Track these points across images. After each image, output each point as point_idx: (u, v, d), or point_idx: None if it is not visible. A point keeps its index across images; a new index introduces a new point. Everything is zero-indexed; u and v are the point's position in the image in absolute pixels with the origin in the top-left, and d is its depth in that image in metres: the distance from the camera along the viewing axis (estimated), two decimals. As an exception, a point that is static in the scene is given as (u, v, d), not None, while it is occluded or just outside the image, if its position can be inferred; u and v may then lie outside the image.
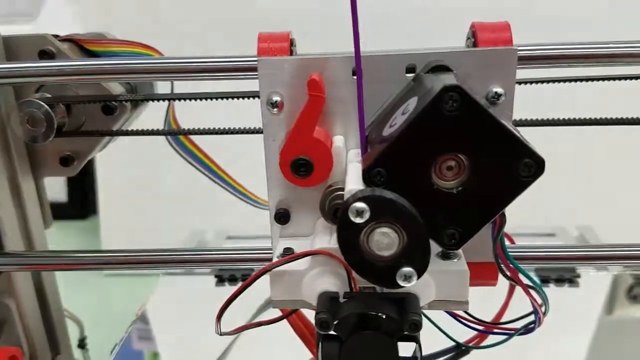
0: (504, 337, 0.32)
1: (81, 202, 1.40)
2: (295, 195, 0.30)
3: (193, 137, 0.41)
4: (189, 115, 0.43)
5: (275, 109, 0.29)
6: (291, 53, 0.29)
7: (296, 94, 0.29)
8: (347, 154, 0.29)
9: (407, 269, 0.24)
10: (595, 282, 0.51)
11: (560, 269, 0.47)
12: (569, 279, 0.47)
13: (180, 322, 0.53)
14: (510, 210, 0.26)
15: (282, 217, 0.31)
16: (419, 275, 0.24)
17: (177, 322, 0.54)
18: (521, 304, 0.34)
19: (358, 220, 0.23)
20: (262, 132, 0.30)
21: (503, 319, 0.35)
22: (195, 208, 1.11)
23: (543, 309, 0.28)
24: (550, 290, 0.48)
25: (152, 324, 0.54)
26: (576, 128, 0.35)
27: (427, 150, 0.24)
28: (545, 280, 0.48)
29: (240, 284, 0.58)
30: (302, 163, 0.28)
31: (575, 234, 0.68)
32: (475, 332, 0.35)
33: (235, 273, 0.53)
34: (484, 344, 0.34)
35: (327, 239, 0.29)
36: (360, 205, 0.23)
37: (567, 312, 0.63)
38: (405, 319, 0.25)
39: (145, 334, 0.54)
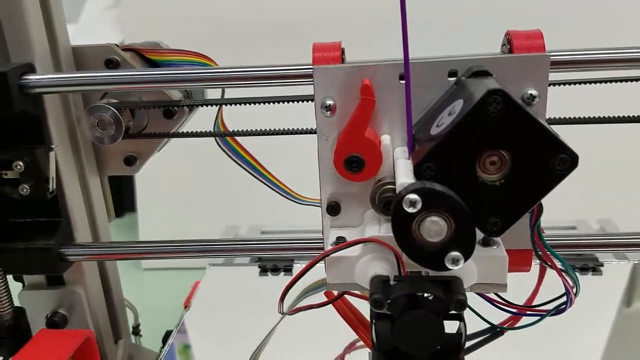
0: (536, 318, 0.35)
1: (119, 200, 1.44)
2: (345, 189, 0.33)
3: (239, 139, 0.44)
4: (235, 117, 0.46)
5: (328, 112, 0.32)
6: (342, 61, 0.32)
7: (347, 98, 0.32)
8: (394, 151, 0.32)
9: (455, 254, 0.27)
10: (617, 270, 0.53)
11: (584, 259, 0.50)
12: (593, 267, 0.50)
13: (228, 310, 0.56)
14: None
15: (333, 209, 0.34)
16: (466, 259, 0.27)
17: (224, 310, 0.57)
18: (549, 291, 0.37)
19: (411, 210, 0.26)
20: (308, 133, 0.33)
21: (534, 303, 0.38)
22: (229, 205, 1.15)
23: (574, 290, 0.31)
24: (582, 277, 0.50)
25: (199, 313, 0.57)
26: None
27: (473, 147, 0.26)
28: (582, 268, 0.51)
29: (282, 273, 0.61)
30: (354, 160, 0.31)
31: (596, 227, 0.71)
32: (508, 315, 0.38)
33: (277, 264, 0.56)
34: (517, 325, 0.37)
35: (377, 228, 0.32)
36: (413, 196, 0.26)
37: (590, 298, 0.65)
38: (452, 298, 0.28)
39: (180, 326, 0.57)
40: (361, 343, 0.46)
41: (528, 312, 0.35)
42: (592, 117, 0.37)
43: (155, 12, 1.12)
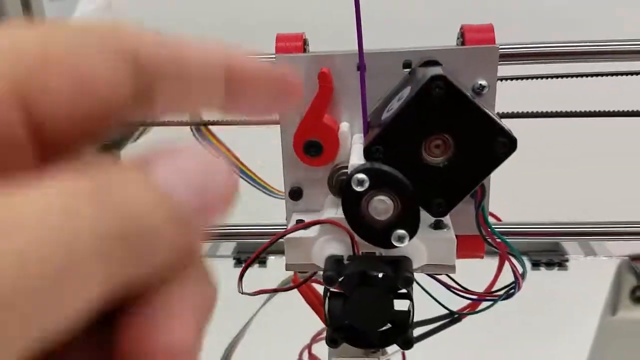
0: (490, 303, 0.36)
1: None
2: (306, 174, 0.35)
3: (214, 130, 0.46)
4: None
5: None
6: (304, 51, 0.34)
7: (308, 86, 0.33)
8: (352, 138, 0.34)
9: (400, 232, 0.28)
10: (584, 265, 0.55)
11: (549, 253, 0.51)
12: (559, 262, 0.51)
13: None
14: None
15: (295, 194, 0.35)
16: (411, 237, 0.29)
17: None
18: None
19: (359, 188, 0.28)
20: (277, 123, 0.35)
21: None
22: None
23: (521, 273, 0.32)
24: (541, 273, 0.52)
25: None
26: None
27: (417, 131, 0.28)
28: (536, 264, 0.52)
29: (256, 265, 0.61)
30: (313, 145, 0.32)
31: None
32: (466, 303, 0.39)
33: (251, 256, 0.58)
34: (475, 310, 0.38)
35: (334, 211, 0.33)
36: (361, 176, 0.28)
37: (558, 294, 0.67)
38: (400, 275, 0.30)
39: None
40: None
41: (482, 298, 0.37)
42: (548, 111, 0.39)
43: (148, 15, 1.14)
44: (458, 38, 0.34)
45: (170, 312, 0.14)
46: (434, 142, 0.28)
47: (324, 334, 0.47)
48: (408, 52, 0.33)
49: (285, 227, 0.40)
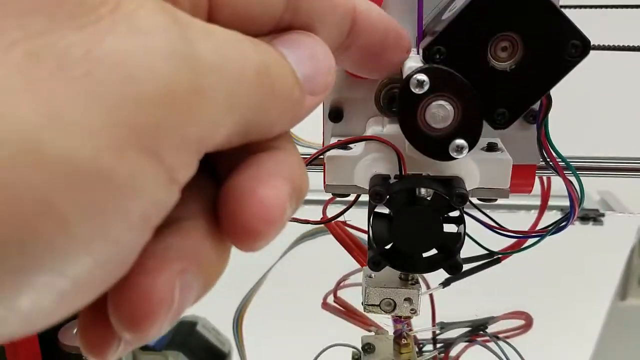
0: (536, 239, 0.34)
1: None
2: (349, 93, 0.32)
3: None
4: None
5: None
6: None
7: None
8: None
9: (460, 141, 0.26)
10: (619, 222, 0.53)
11: (584, 209, 0.49)
12: (594, 217, 0.49)
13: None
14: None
15: (335, 114, 0.33)
16: (470, 148, 0.26)
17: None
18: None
19: (418, 90, 0.26)
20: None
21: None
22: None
23: (578, 200, 0.30)
24: (576, 227, 0.50)
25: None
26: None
27: (484, 29, 0.26)
28: (582, 218, 0.50)
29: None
30: (361, 54, 0.30)
31: (597, 198, 0.70)
32: (508, 243, 0.37)
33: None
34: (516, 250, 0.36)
35: (379, 129, 0.31)
36: (421, 76, 0.25)
37: (592, 250, 0.65)
38: (453, 192, 0.28)
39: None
40: (351, 280, 0.45)
41: (529, 235, 0.35)
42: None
43: None
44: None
45: (268, 174, 0.16)
46: (501, 43, 0.26)
47: (349, 280, 0.45)
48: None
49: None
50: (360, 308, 0.44)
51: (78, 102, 0.12)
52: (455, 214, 0.29)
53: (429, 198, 0.30)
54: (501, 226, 0.35)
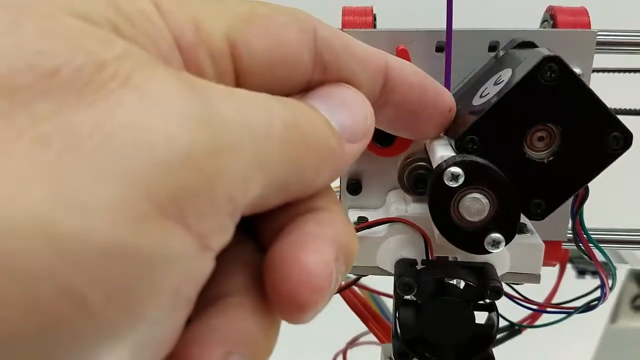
0: (562, 315, 0.33)
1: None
2: (369, 166, 0.31)
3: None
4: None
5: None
6: (374, 27, 0.30)
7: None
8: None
9: (496, 235, 0.25)
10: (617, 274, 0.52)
11: (579, 261, 0.48)
12: (593, 271, 0.48)
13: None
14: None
15: (354, 187, 0.32)
16: (507, 242, 0.25)
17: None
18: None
19: (452, 184, 0.24)
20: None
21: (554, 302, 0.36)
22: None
23: (610, 284, 0.29)
24: (587, 281, 0.49)
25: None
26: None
27: (521, 119, 0.24)
28: (582, 272, 0.49)
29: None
30: (384, 133, 0.29)
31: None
32: (528, 313, 0.36)
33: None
34: (537, 323, 0.35)
35: (403, 208, 0.30)
36: (456, 170, 0.24)
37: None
38: (487, 284, 0.26)
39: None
40: (364, 339, 0.44)
41: (551, 310, 0.33)
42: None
43: None
44: (545, 20, 0.30)
45: (311, 238, 0.15)
46: (538, 133, 0.25)
47: (360, 339, 0.44)
48: (494, 32, 0.29)
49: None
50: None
51: (89, 178, 0.11)
52: (486, 301, 0.28)
53: (454, 282, 0.28)
54: (523, 296, 0.34)
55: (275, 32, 0.16)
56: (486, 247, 0.25)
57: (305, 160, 0.15)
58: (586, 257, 0.28)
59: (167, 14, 0.15)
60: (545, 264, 0.33)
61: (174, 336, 0.13)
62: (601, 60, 0.32)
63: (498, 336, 0.36)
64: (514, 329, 0.36)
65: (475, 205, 0.25)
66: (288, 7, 0.17)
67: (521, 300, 0.34)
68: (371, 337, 0.43)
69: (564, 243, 0.33)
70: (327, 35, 0.17)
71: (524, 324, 0.36)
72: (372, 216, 0.31)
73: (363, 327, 0.43)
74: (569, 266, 0.45)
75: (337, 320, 0.42)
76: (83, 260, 0.11)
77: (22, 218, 0.10)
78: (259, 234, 0.17)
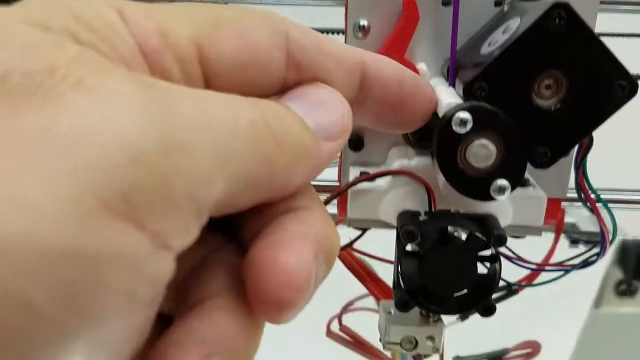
0: (560, 273, 0.33)
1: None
2: (372, 121, 0.31)
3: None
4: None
5: (361, 34, 0.30)
6: (380, -20, 0.30)
7: (383, 18, 0.29)
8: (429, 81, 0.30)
9: (502, 182, 0.25)
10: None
11: (591, 233, 0.49)
12: (586, 240, 0.49)
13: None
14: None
15: (356, 143, 0.31)
16: (513, 189, 0.25)
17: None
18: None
19: (460, 130, 0.24)
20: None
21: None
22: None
23: (610, 237, 0.29)
24: (580, 250, 0.49)
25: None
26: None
27: (530, 67, 0.24)
28: (575, 242, 0.50)
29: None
30: (390, 84, 0.28)
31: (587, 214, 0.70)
32: (524, 273, 0.36)
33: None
34: (535, 282, 0.35)
35: (406, 162, 0.30)
36: (464, 115, 0.24)
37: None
38: (491, 233, 0.26)
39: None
40: (359, 304, 0.44)
41: (549, 269, 0.34)
42: None
43: None
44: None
45: (289, 237, 0.16)
46: (546, 81, 0.25)
47: (355, 305, 0.44)
48: (501, -13, 0.29)
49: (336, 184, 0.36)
50: (367, 337, 0.43)
51: (33, 180, 0.11)
52: (488, 252, 0.28)
53: (456, 234, 0.28)
54: (520, 257, 0.34)
55: (244, 34, 0.16)
56: (492, 194, 0.25)
57: (276, 158, 0.15)
58: (588, 210, 0.29)
59: (130, 21, 0.15)
60: (545, 223, 0.34)
61: (136, 338, 0.13)
62: (604, 20, 0.32)
63: (494, 296, 0.36)
64: (510, 289, 0.36)
65: (483, 152, 0.25)
66: (258, 10, 0.17)
67: (518, 260, 0.34)
68: (366, 302, 0.43)
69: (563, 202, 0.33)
70: (299, 36, 0.17)
71: (522, 283, 0.36)
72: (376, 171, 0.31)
73: (358, 293, 0.43)
74: (561, 236, 0.46)
75: (331, 286, 0.42)
76: (25, 262, 0.11)
77: None
78: (241, 236, 0.17)
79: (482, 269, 0.28)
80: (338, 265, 0.40)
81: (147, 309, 0.13)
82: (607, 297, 1.07)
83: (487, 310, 0.28)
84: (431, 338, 0.32)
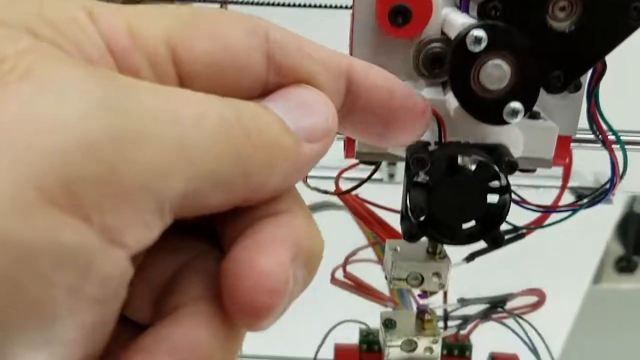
0: (567, 213, 0.33)
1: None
2: (382, 51, 0.30)
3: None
4: None
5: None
6: None
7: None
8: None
9: (515, 104, 0.25)
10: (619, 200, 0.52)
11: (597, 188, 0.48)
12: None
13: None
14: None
15: (365, 77, 0.31)
16: (526, 112, 0.25)
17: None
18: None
19: (475, 48, 0.24)
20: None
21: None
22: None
23: (620, 172, 0.29)
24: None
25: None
26: None
27: (546, -14, 0.24)
28: (580, 197, 0.49)
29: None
30: (400, 10, 0.28)
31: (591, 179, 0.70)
32: (533, 217, 0.36)
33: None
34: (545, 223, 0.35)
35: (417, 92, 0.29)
36: (479, 32, 0.24)
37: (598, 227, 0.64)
38: (502, 160, 0.26)
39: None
40: (360, 256, 0.44)
41: (559, 210, 0.33)
42: None
43: None
44: None
45: (267, 240, 0.15)
46: (560, 2, 0.24)
47: (359, 255, 0.44)
48: None
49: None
50: (371, 284, 0.43)
51: None
52: (496, 184, 0.28)
53: (466, 166, 0.28)
54: (525, 200, 0.34)
55: (221, 34, 0.16)
56: (505, 117, 0.25)
57: (250, 158, 0.15)
58: (600, 141, 0.28)
59: (99, 20, 0.14)
60: (554, 163, 0.33)
61: (89, 341, 0.13)
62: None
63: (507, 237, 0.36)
64: (517, 233, 0.36)
65: (497, 73, 0.24)
66: (236, 12, 0.17)
67: (525, 203, 0.34)
68: (369, 253, 0.43)
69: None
70: (280, 37, 0.17)
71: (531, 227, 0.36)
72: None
73: (360, 244, 0.43)
74: (566, 192, 0.45)
75: (334, 236, 0.42)
76: None
77: None
78: (222, 242, 0.17)
79: (491, 200, 0.28)
80: (339, 224, 0.40)
81: (98, 308, 0.12)
82: (607, 273, 1.07)
83: (495, 241, 0.28)
84: (437, 274, 0.31)
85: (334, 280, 0.41)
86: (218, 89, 0.15)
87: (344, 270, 0.42)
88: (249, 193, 0.15)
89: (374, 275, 0.44)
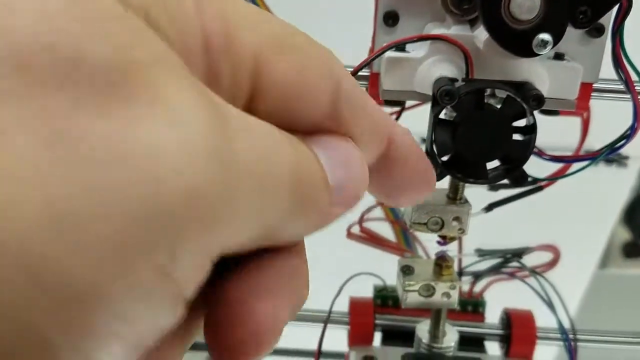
0: (586, 162, 0.33)
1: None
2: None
3: None
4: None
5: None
6: None
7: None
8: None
9: (544, 35, 0.25)
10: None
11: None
12: (616, 160, 0.49)
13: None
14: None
15: (390, 17, 0.31)
16: (555, 43, 0.25)
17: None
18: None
19: (506, -24, 0.24)
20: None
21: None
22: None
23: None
24: (599, 168, 0.49)
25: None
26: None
27: None
28: (609, 162, 0.50)
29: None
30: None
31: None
32: (554, 169, 0.36)
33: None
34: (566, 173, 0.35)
35: (444, 30, 0.29)
36: (511, -39, 0.24)
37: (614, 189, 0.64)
38: (528, 94, 0.26)
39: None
40: (375, 214, 0.44)
41: (578, 159, 0.34)
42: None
43: None
44: None
45: (272, 288, 0.15)
46: None
47: (373, 212, 0.44)
48: None
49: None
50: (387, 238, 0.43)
51: (78, 204, 0.10)
52: (522, 122, 0.28)
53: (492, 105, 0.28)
54: (543, 151, 0.34)
55: (306, 67, 0.15)
56: (534, 48, 0.25)
57: (296, 216, 0.14)
58: (623, 81, 0.28)
59: (205, 12, 0.14)
60: (576, 112, 0.33)
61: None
62: None
63: (520, 190, 0.36)
64: (536, 185, 0.36)
65: (528, 3, 0.24)
66: (322, 46, 0.16)
67: (542, 154, 0.34)
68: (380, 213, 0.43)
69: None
70: (350, 89, 0.16)
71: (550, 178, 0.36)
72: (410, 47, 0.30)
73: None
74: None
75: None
76: (57, 302, 0.10)
77: (10, 238, 0.09)
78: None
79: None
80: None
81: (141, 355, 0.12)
82: (613, 258, 1.07)
83: (519, 179, 0.28)
84: (457, 219, 0.32)
85: (349, 235, 0.42)
86: (277, 117, 0.15)
87: (360, 226, 0.42)
88: (274, 242, 0.15)
89: (386, 235, 0.44)
